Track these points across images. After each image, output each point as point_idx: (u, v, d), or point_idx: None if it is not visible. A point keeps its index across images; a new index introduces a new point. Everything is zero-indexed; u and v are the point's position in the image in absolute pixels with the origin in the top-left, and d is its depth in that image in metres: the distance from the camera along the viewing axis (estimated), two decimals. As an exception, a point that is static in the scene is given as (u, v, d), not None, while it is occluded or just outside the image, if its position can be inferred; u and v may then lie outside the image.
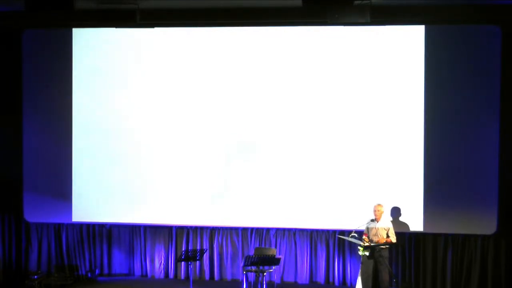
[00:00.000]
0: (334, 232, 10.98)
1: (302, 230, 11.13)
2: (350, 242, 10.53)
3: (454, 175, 10.48)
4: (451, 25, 10.51)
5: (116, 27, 10.88)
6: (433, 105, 10.54)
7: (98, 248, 11.59)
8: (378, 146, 10.68)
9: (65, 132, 11.32)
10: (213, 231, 11.38)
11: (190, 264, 10.34)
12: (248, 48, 10.98)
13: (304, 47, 10.84)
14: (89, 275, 11.53)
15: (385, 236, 9.94)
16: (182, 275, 11.41)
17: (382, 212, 10.02)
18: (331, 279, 11.07)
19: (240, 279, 11.12)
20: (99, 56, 11.28)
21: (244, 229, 11.29)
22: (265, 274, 10.20)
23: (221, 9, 10.56)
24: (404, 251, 10.81)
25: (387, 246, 9.92)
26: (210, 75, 11.06)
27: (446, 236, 10.68)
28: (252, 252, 10.91)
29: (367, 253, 9.86)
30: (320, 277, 11.12)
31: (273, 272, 10.89)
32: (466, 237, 10.62)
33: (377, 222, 10.00)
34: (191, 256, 10.28)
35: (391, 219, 10.40)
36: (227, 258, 11.34)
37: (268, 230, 11.23)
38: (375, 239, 9.92)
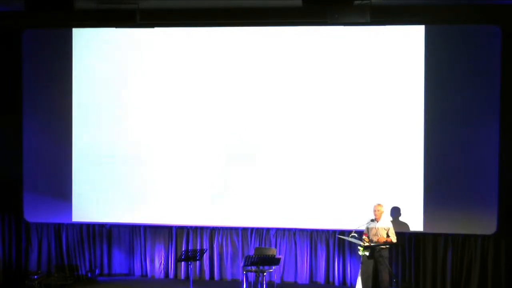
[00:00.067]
0: (334, 232, 10.98)
1: (302, 230, 11.13)
2: (350, 242, 10.53)
3: (454, 175, 10.48)
4: (451, 25, 10.51)
5: (116, 27, 10.88)
6: (433, 105, 10.54)
7: (98, 248, 11.59)
8: (378, 146, 10.68)
9: (65, 132, 11.32)
10: (213, 231, 11.38)
11: (190, 264, 10.34)
12: (248, 48, 10.98)
13: (304, 47, 10.84)
14: (89, 275, 11.53)
15: (385, 236, 9.94)
16: (182, 275, 11.41)
17: (382, 212, 10.03)
18: (331, 279, 11.07)
19: (240, 279, 11.12)
20: (99, 56, 11.28)
21: (244, 229, 11.29)
22: (265, 274, 10.20)
23: (221, 9, 10.56)
24: (404, 251, 10.81)
25: (387, 246, 9.92)
26: (210, 75, 11.06)
27: (446, 236, 10.68)
28: (252, 252, 10.91)
29: (367, 253, 9.86)
30: (320, 277, 11.12)
31: (273, 272, 10.89)
32: (466, 237, 10.62)
33: (377, 222, 10.00)
34: (191, 256, 10.28)
35: (391, 219, 10.40)
36: (227, 258, 11.35)
37: (268, 230, 11.23)
38: (375, 239, 9.92)
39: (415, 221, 10.57)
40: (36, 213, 11.42)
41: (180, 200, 11.12)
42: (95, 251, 11.60)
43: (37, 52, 11.34)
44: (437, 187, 10.51)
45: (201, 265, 11.39)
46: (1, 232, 11.36)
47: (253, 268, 10.03)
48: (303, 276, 11.15)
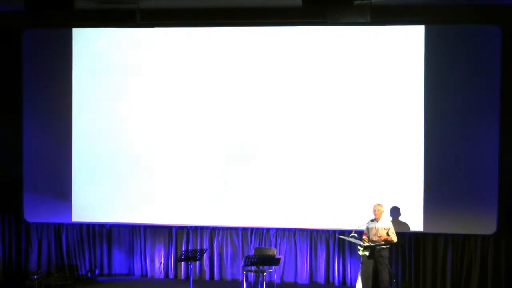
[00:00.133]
0: (334, 232, 10.98)
1: (302, 230, 11.13)
2: (350, 242, 10.53)
3: (454, 175, 10.48)
4: (451, 25, 10.51)
5: (116, 27, 10.88)
6: (433, 105, 10.54)
7: (98, 248, 11.59)
8: (378, 146, 10.68)
9: (65, 132, 11.32)
10: (213, 231, 11.38)
11: (190, 264, 10.34)
12: (248, 48, 10.98)
13: (304, 47, 10.84)
14: (89, 275, 11.54)
15: (385, 235, 9.93)
16: (182, 275, 11.41)
17: (382, 212, 10.02)
18: (331, 279, 11.07)
19: (240, 279, 11.12)
20: (99, 56, 11.28)
21: (244, 229, 11.29)
22: (265, 274, 10.20)
23: (221, 9, 10.56)
24: (404, 251, 10.81)
25: (387, 246, 9.91)
26: (210, 75, 11.06)
27: (446, 236, 10.68)
28: (252, 252, 10.91)
29: (367, 253, 9.86)
30: (320, 277, 11.12)
31: (273, 272, 10.89)
32: (466, 237, 10.62)
33: (377, 222, 10.00)
34: (191, 256, 10.28)
35: (391, 219, 10.39)
36: (227, 258, 11.35)
37: (268, 230, 11.23)
38: (375, 239, 9.92)
39: (415, 221, 10.57)
40: (36, 213, 11.42)
41: (180, 200, 11.13)
42: (95, 251, 11.60)
43: (37, 52, 11.34)
44: (437, 187, 10.51)
45: (201, 265, 11.39)
46: (1, 232, 11.36)
47: (253, 268, 10.03)
48: (303, 276, 11.15)
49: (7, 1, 10.11)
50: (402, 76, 10.63)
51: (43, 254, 11.61)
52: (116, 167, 11.25)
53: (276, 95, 10.92)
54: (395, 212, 10.57)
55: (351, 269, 10.97)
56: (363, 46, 10.70)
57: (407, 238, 10.76)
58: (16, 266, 11.56)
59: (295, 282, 11.18)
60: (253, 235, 11.27)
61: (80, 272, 11.56)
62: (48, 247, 11.61)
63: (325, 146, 10.81)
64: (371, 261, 9.90)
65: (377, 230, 9.94)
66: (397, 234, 10.12)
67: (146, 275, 11.56)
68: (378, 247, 9.84)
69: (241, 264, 11.04)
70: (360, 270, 10.07)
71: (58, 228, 11.60)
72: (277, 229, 11.18)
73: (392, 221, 10.27)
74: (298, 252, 11.17)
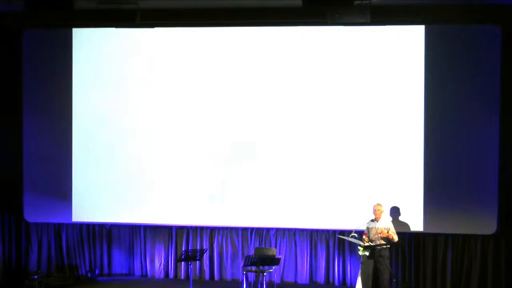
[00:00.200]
0: (334, 232, 10.98)
1: (302, 230, 11.13)
2: (350, 242, 10.52)
3: (454, 175, 10.48)
4: (451, 25, 10.50)
5: (116, 27, 10.88)
6: (433, 105, 10.54)
7: (98, 248, 11.60)
8: (378, 146, 10.68)
9: (65, 132, 11.32)
10: (213, 231, 11.38)
11: (190, 264, 10.34)
12: (248, 48, 10.98)
13: (304, 47, 10.84)
14: (89, 275, 11.54)
15: (385, 238, 9.91)
16: (182, 275, 11.41)
17: (382, 212, 10.02)
18: (331, 279, 11.07)
19: (240, 279, 11.12)
20: (99, 56, 11.28)
21: (244, 229, 11.29)
22: (265, 274, 10.19)
23: (221, 9, 10.55)
24: (404, 251, 10.81)
25: (387, 246, 9.90)
26: (209, 75, 11.06)
27: (446, 236, 10.68)
28: (252, 252, 10.91)
29: (367, 253, 9.86)
30: (320, 277, 11.12)
31: (273, 272, 10.88)
32: (466, 237, 10.62)
33: (377, 222, 9.99)
34: (191, 256, 10.29)
35: (391, 219, 10.39)
36: (227, 258, 11.35)
37: (268, 230, 11.23)
38: (375, 238, 9.91)
39: (415, 221, 10.57)
40: (36, 213, 11.42)
41: (180, 200, 11.12)
42: (95, 251, 11.60)
43: (37, 52, 11.34)
44: (437, 187, 10.51)
45: (201, 265, 11.39)
46: (1, 232, 11.36)
47: (253, 268, 10.03)
48: (303, 276, 11.15)
49: (7, 1, 10.10)
50: (402, 76, 10.63)
51: (43, 254, 11.61)
52: (116, 167, 11.25)
53: (276, 95, 10.92)
54: (395, 212, 10.57)
55: (351, 269, 10.97)
56: (363, 46, 10.70)
57: (407, 238, 10.76)
58: (16, 266, 11.57)
59: (295, 282, 11.18)
60: (253, 235, 11.27)
61: (80, 272, 11.56)
62: (48, 247, 11.62)
63: (325, 146, 10.80)
64: (371, 261, 9.89)
65: (377, 230, 9.93)
66: (397, 234, 10.11)
67: (146, 275, 11.56)
68: (378, 247, 9.84)
69: (241, 264, 11.04)
70: (360, 270, 10.07)
71: (58, 228, 11.60)
72: (277, 229, 11.18)
73: (392, 221, 10.26)
74: (298, 252, 11.17)
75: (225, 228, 11.31)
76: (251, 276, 10.67)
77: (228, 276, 11.35)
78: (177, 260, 11.10)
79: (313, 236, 11.13)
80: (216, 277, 11.36)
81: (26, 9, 9.16)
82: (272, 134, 10.93)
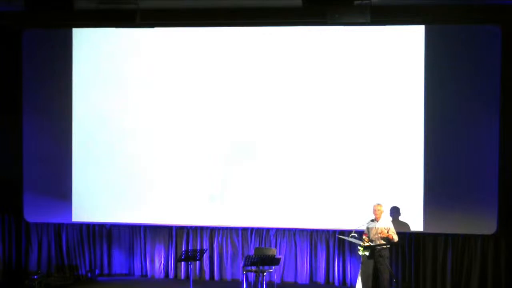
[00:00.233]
0: (334, 232, 10.98)
1: (302, 230, 11.13)
2: (350, 242, 10.52)
3: (454, 175, 10.48)
4: (451, 25, 10.50)
5: (116, 27, 10.88)
6: (433, 105, 10.54)
7: (98, 248, 11.60)
8: (378, 146, 10.68)
9: (65, 132, 11.32)
10: (213, 231, 11.38)
11: (190, 264, 10.34)
12: (248, 48, 10.98)
13: (304, 47, 10.84)
14: (89, 275, 11.54)
15: (385, 238, 9.90)
16: (182, 275, 11.41)
17: (382, 212, 10.02)
18: (331, 279, 11.07)
19: (240, 279, 11.12)
20: (99, 56, 11.28)
21: (244, 229, 11.29)
22: (265, 274, 10.19)
23: (221, 9, 10.55)
24: (404, 251, 10.81)
25: (387, 246, 9.90)
26: (209, 75, 11.06)
27: (446, 236, 10.68)
28: (252, 252, 10.91)
29: (367, 253, 9.85)
30: (320, 277, 11.12)
31: (273, 272, 10.88)
32: (466, 237, 10.62)
33: (377, 222, 9.99)
34: (191, 256, 10.29)
35: (391, 219, 10.39)
36: (227, 258, 11.35)
37: (268, 230, 11.23)
38: (375, 238, 9.91)
39: (415, 221, 10.57)
40: (36, 213, 11.42)
41: (180, 200, 11.12)
42: (95, 251, 11.60)
43: (37, 52, 11.34)
44: (437, 187, 10.51)
45: (201, 265, 11.39)
46: (1, 232, 11.36)
47: (253, 268, 10.03)
48: (303, 276, 11.15)
49: (7, 1, 10.10)
50: (402, 76, 10.63)
51: (43, 254, 11.62)
52: (116, 167, 11.25)
53: (276, 95, 10.92)
54: (395, 212, 10.57)
55: (351, 269, 10.97)
56: (363, 46, 10.70)
57: (407, 238, 10.76)
58: (16, 266, 11.57)
59: (295, 282, 11.18)
60: (253, 235, 11.27)
61: (80, 272, 11.56)
62: (48, 247, 11.62)
63: (325, 146, 10.80)
64: (371, 261, 9.89)
65: (377, 230, 9.93)
66: (397, 234, 10.11)
67: (146, 275, 11.56)
68: (378, 247, 9.84)
69: (241, 264, 11.04)
70: (360, 270, 10.07)
71: (58, 228, 11.60)
72: (277, 229, 11.18)
73: (392, 221, 10.25)
74: (298, 252, 11.17)
75: (225, 228, 11.31)
76: (251, 276, 10.67)
77: (228, 276, 11.35)
78: (177, 260, 11.10)
79: (313, 236, 11.13)
80: (216, 277, 11.36)
81: (26, 9, 9.16)
82: (272, 134, 10.93)
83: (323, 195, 10.78)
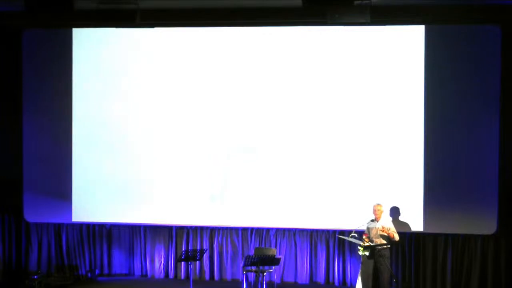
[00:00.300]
0: (334, 232, 10.98)
1: (302, 230, 11.13)
2: (350, 242, 10.52)
3: (454, 175, 10.48)
4: (451, 25, 10.50)
5: (116, 27, 10.87)
6: (433, 105, 10.54)
7: (98, 248, 11.60)
8: (378, 146, 10.68)
9: (65, 132, 11.32)
10: (213, 231, 11.38)
11: (190, 264, 10.34)
12: (248, 48, 10.98)
13: (304, 47, 10.84)
14: (89, 275, 11.54)
15: (385, 237, 9.90)
16: (182, 275, 11.41)
17: (382, 212, 10.01)
18: (331, 279, 11.07)
19: (240, 279, 11.12)
20: (99, 56, 11.28)
21: (244, 229, 11.29)
22: (265, 274, 10.19)
23: (221, 9, 10.56)
24: (404, 251, 10.81)
25: (388, 246, 9.90)
26: (210, 75, 11.06)
27: (446, 236, 10.68)
28: (252, 252, 10.91)
29: (367, 253, 9.85)
30: (320, 277, 11.11)
31: (273, 272, 10.88)
32: (466, 237, 10.62)
33: (377, 222, 9.99)
34: (191, 256, 10.28)
35: (391, 219, 10.38)
36: (227, 258, 11.35)
37: (268, 230, 11.23)
38: (375, 239, 9.91)
39: (415, 221, 10.57)
40: (36, 213, 11.42)
41: (180, 200, 11.12)
42: (95, 251, 11.60)
43: (37, 52, 11.35)
44: (437, 187, 10.51)
45: (201, 265, 11.39)
46: (1, 232, 11.36)
47: (253, 268, 10.03)
48: (303, 276, 11.15)
49: (7, 1, 10.10)
50: (402, 76, 10.63)
51: (43, 254, 11.62)
52: (116, 167, 11.25)
53: (276, 95, 10.91)
54: (395, 212, 10.57)
55: (351, 269, 10.97)
56: (363, 46, 10.70)
57: (407, 238, 10.76)
58: (16, 266, 11.57)
59: (295, 282, 11.18)
60: (253, 235, 11.27)
61: (80, 272, 11.56)
62: (48, 247, 11.62)
63: (325, 146, 10.80)
64: (371, 261, 9.89)
65: (377, 230, 9.93)
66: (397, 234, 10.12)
67: (146, 275, 11.56)
68: (378, 247, 9.83)
69: (241, 264, 11.04)
70: (360, 270, 10.07)
71: (58, 228, 11.60)
72: (277, 229, 11.18)
73: (392, 221, 10.25)
74: (298, 252, 11.17)
75: (225, 228, 11.31)
76: (251, 276, 10.67)
77: (228, 276, 11.35)
78: (177, 260, 11.10)
79: (313, 236, 11.13)
80: (216, 277, 11.36)
81: (26, 9, 9.16)
82: (272, 134, 10.92)
83: (323, 195, 10.78)
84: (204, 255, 11.08)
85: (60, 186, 11.33)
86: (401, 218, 10.59)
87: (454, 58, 10.48)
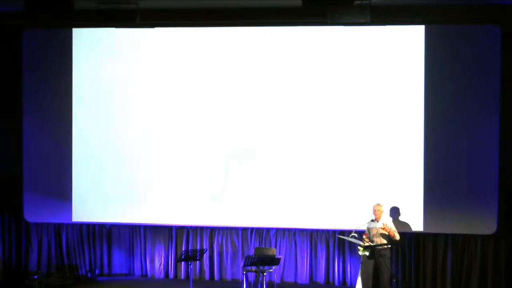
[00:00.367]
0: (334, 232, 10.98)
1: (302, 230, 11.13)
2: (350, 242, 10.52)
3: (454, 175, 10.48)
4: (451, 25, 10.50)
5: (116, 27, 10.87)
6: (433, 105, 10.54)
7: (98, 248, 11.60)
8: (378, 146, 10.68)
9: (65, 132, 11.32)
10: (213, 231, 11.38)
11: (190, 264, 10.34)
12: (248, 48, 10.98)
13: (304, 47, 10.84)
14: (89, 275, 11.54)
15: (386, 237, 9.90)
16: (182, 275, 11.41)
17: (382, 212, 10.01)
18: (331, 279, 11.07)
19: (240, 279, 11.12)
20: (99, 56, 11.28)
21: (244, 229, 11.29)
22: (265, 274, 10.19)
23: (221, 9, 10.55)
24: (404, 251, 10.81)
25: (388, 245, 9.90)
26: (210, 75, 11.06)
27: (446, 236, 10.68)
28: (252, 252, 10.91)
29: (367, 253, 9.85)
30: (320, 277, 11.11)
31: (273, 272, 10.88)
32: (466, 237, 10.62)
33: (377, 222, 9.99)
34: (191, 256, 10.29)
35: (391, 219, 10.38)
36: (227, 258, 11.35)
37: (268, 230, 11.23)
38: (375, 239, 9.91)
39: (415, 221, 10.57)
40: (36, 213, 11.42)
41: (180, 200, 11.12)
42: (95, 251, 11.60)
43: (37, 52, 11.35)
44: (437, 187, 10.51)
45: (201, 265, 11.39)
46: (1, 232, 11.36)
47: (253, 268, 10.02)
48: (303, 276, 11.15)
49: (7, 1, 10.10)
50: (402, 76, 10.63)
51: (43, 254, 11.62)
52: (116, 167, 11.25)
53: (276, 95, 10.91)
54: (395, 212, 10.57)
55: (351, 269, 10.97)
56: (363, 46, 10.70)
57: (407, 238, 10.76)
58: (16, 266, 11.57)
59: (295, 282, 11.17)
60: (253, 235, 11.27)
61: (80, 272, 11.56)
62: (48, 247, 11.62)
63: (325, 146, 10.80)
64: (371, 261, 9.88)
65: (377, 230, 9.92)
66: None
67: (146, 275, 11.56)
68: (378, 247, 9.83)
69: (241, 264, 11.04)
70: (360, 270, 10.06)
71: (58, 228, 11.60)
72: (277, 229, 11.18)
73: (392, 221, 10.24)
74: (298, 252, 11.17)
75: (225, 228, 11.31)
76: (251, 276, 10.67)
77: (228, 276, 11.35)
78: (177, 260, 11.10)
79: (313, 236, 11.13)
80: (216, 277, 11.36)
81: (26, 9, 9.16)
82: (272, 134, 10.92)
83: (323, 195, 10.78)
84: (204, 255, 11.08)
85: (60, 186, 11.33)
86: (401, 218, 10.59)
87: (454, 58, 10.48)
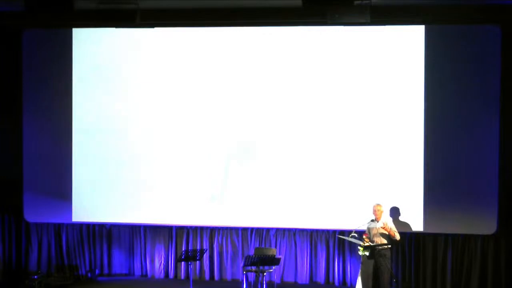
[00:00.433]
0: (334, 232, 10.98)
1: (302, 230, 11.13)
2: (350, 242, 10.52)
3: (454, 175, 10.48)
4: (451, 25, 10.50)
5: (116, 27, 10.87)
6: (433, 105, 10.54)
7: (98, 248, 11.60)
8: (378, 146, 10.68)
9: (65, 132, 11.33)
10: (213, 231, 11.38)
11: (190, 264, 10.34)
12: (248, 48, 10.98)
13: (304, 47, 10.84)
14: (89, 275, 11.54)
15: (386, 236, 9.90)
16: (182, 275, 11.41)
17: (382, 212, 10.01)
18: (331, 279, 11.07)
19: (240, 279, 11.12)
20: (99, 56, 11.28)
21: (244, 229, 11.29)
22: (265, 274, 10.19)
23: (221, 9, 10.55)
24: (404, 251, 10.81)
25: (389, 245, 9.90)
26: (209, 75, 11.06)
27: (446, 236, 10.68)
28: (252, 252, 10.91)
29: (367, 253, 9.85)
30: (320, 277, 11.12)
31: (273, 272, 10.88)
32: (466, 237, 10.62)
33: (377, 222, 9.99)
34: (191, 256, 10.29)
35: (391, 219, 10.38)
36: (227, 258, 11.35)
37: (268, 230, 11.23)
38: (375, 239, 9.91)
39: (415, 221, 10.57)
40: (36, 213, 11.42)
41: (180, 200, 11.12)
42: (95, 251, 11.60)
43: (37, 52, 11.35)
44: (437, 187, 10.51)
45: (201, 265, 11.39)
46: (1, 232, 11.36)
47: (253, 268, 10.03)
48: (303, 276, 11.15)
49: (7, 1, 10.10)
50: (402, 76, 10.63)
51: (43, 254, 11.62)
52: (116, 167, 11.25)
53: (276, 95, 10.91)
54: (395, 212, 10.57)
55: (351, 269, 10.97)
56: (363, 46, 10.70)
57: (407, 238, 10.76)
58: (16, 266, 11.57)
59: (295, 282, 11.18)
60: (253, 235, 11.27)
61: (80, 272, 11.57)
62: (48, 247, 11.62)
63: (325, 146, 10.80)
64: (371, 261, 9.88)
65: (377, 230, 9.92)
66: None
67: (146, 275, 11.57)
68: (378, 247, 9.83)
69: (241, 264, 11.04)
70: (360, 270, 10.06)
71: (58, 228, 11.60)
72: (277, 229, 11.18)
73: (392, 221, 10.24)
74: (298, 252, 11.17)
75: (225, 228, 11.31)
76: (251, 276, 10.67)
77: (228, 276, 11.35)
78: (177, 260, 11.10)
79: (313, 236, 11.13)
80: (216, 277, 11.36)
81: (26, 9, 9.16)
82: (272, 134, 10.93)
83: (323, 195, 10.78)
84: (204, 255, 11.08)
85: (60, 186, 11.33)
86: (401, 218, 10.59)
87: (454, 58, 10.48)
